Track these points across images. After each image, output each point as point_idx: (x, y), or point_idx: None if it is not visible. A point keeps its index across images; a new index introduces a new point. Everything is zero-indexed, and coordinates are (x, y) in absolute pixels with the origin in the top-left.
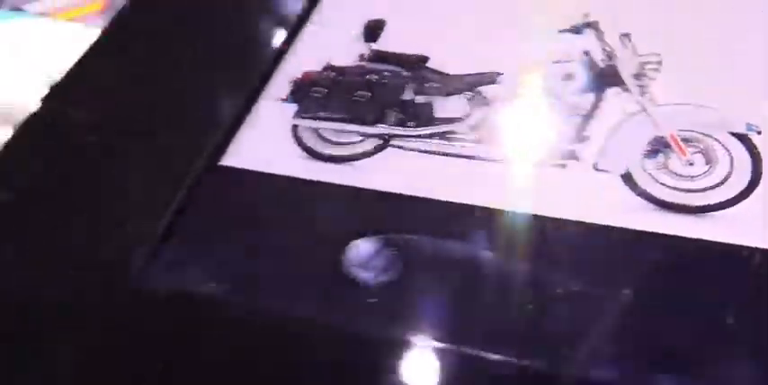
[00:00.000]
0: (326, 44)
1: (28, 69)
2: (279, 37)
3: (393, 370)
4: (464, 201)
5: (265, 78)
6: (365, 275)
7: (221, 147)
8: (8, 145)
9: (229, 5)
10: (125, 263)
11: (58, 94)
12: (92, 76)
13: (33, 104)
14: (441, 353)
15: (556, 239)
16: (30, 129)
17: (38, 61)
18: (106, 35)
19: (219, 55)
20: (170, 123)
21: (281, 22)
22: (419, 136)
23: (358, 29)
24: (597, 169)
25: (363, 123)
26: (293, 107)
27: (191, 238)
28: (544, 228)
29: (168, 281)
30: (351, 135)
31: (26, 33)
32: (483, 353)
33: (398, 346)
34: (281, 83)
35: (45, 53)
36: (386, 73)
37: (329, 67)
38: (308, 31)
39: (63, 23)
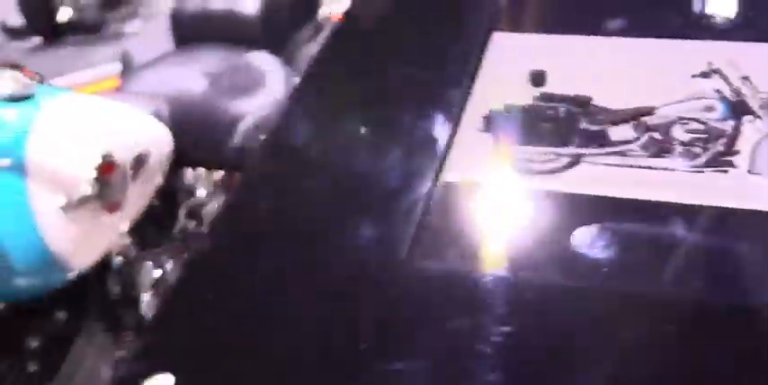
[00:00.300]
0: (498, 88)
1: (80, 141)
2: (464, 85)
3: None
4: (650, 198)
5: (459, 115)
6: (593, 253)
7: (441, 167)
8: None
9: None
10: (394, 251)
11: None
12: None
13: (87, 174)
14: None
15: (729, 220)
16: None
17: (89, 134)
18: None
19: (427, 96)
20: (401, 151)
21: (461, 73)
22: (600, 154)
23: (523, 76)
24: (751, 173)
25: (553, 146)
26: (486, 135)
27: (440, 231)
28: (717, 214)
29: (429, 262)
30: (545, 154)
31: (75, 108)
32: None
33: (632, 300)
34: (470, 118)
35: (95, 126)
36: (561, 109)
37: (511, 107)
38: (481, 80)
39: (108, 100)
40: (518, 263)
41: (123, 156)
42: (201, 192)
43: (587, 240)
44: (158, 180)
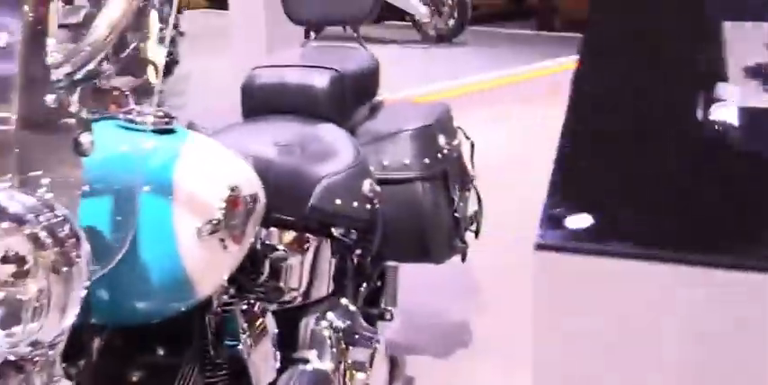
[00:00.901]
0: (743, 51)
1: (215, 172)
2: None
3: None
4: None
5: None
6: None
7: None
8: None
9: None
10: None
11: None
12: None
13: (219, 203)
14: None
15: None
16: None
17: (221, 167)
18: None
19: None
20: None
21: (714, 43)
22: None
23: (759, 45)
24: None
25: None
26: (748, 80)
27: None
28: None
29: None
30: None
31: (208, 143)
32: None
33: None
34: (733, 70)
35: (224, 161)
36: None
37: (761, 63)
38: (728, 48)
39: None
40: None
41: (243, 193)
42: (280, 248)
43: None
44: (257, 226)
